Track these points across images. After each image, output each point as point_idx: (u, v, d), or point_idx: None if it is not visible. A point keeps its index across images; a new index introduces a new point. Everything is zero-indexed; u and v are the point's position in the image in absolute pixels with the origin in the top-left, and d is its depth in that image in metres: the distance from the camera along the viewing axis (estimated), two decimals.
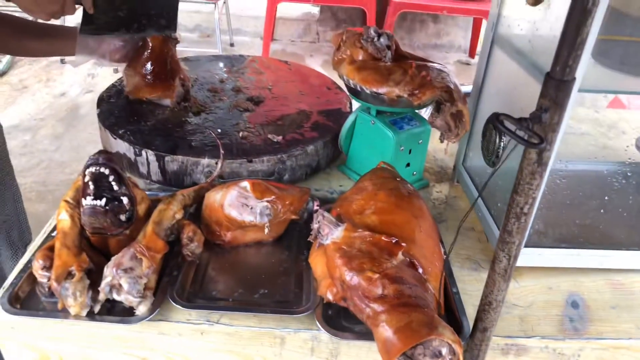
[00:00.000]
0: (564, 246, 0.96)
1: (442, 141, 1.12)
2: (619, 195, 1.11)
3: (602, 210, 1.05)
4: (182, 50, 4.49)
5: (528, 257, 0.95)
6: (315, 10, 4.72)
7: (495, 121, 0.58)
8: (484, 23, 3.92)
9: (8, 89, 3.65)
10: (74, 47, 1.17)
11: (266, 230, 0.94)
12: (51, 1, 1.00)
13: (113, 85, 1.38)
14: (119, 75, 1.36)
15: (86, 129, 3.27)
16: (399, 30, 4.55)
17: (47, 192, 2.75)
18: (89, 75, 3.86)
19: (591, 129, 1.52)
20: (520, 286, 0.96)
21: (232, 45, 4.61)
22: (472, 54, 4.58)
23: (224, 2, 4.32)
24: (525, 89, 0.91)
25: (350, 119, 1.20)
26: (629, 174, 1.18)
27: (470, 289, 0.94)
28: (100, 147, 1.30)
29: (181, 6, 1.29)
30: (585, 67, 0.74)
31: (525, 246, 0.94)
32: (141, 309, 0.82)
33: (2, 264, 1.24)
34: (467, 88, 1.24)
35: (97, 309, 0.82)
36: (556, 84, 0.56)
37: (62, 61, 3.98)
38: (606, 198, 1.07)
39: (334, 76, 1.40)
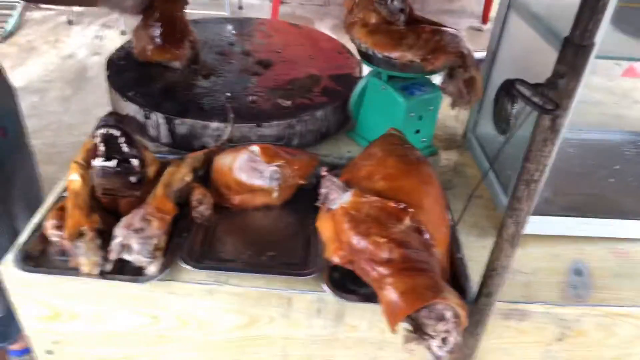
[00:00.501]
0: (571, 215, 0.96)
1: (453, 108, 1.11)
2: (629, 165, 1.10)
3: (611, 180, 1.05)
4: (190, 12, 4.39)
5: (535, 225, 0.95)
6: None
7: (510, 87, 0.57)
8: None
9: (16, 50, 3.62)
10: None
11: (275, 194, 0.95)
12: None
13: (122, 47, 1.36)
14: (127, 37, 1.34)
15: (94, 91, 3.26)
16: None
17: (57, 153, 2.76)
18: (97, 37, 3.83)
19: (604, 97, 1.50)
20: (525, 253, 0.96)
21: (240, 8, 4.52)
22: (484, 20, 4.46)
23: None
24: (540, 55, 0.89)
25: (360, 84, 1.18)
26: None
27: (476, 255, 0.94)
28: (109, 110, 1.30)
29: None
30: (604, 32, 0.72)
31: (532, 214, 0.94)
32: (151, 269, 0.84)
33: (20, 226, 1.27)
34: (479, 54, 1.21)
35: (108, 268, 0.84)
36: (574, 49, 0.55)
37: (70, 22, 3.94)
38: (616, 167, 1.07)
39: (344, 40, 1.38)
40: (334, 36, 1.55)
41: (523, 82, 0.58)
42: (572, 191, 1.01)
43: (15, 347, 1.64)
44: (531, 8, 0.95)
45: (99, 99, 3.18)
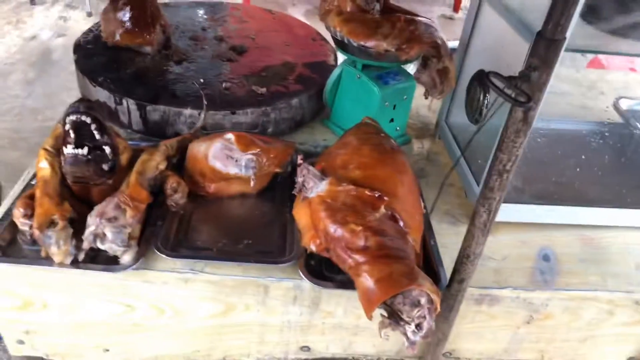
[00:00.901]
0: (540, 202, 0.99)
1: (426, 97, 1.12)
2: (595, 155, 1.14)
3: (578, 169, 1.08)
4: None
5: (505, 212, 0.97)
6: None
7: (484, 78, 0.58)
8: None
9: None
10: None
11: (252, 183, 0.94)
12: None
13: (90, 30, 1.32)
14: (92, 19, 1.30)
15: (59, 74, 3.15)
16: None
17: (20, 139, 2.66)
18: (61, 18, 3.68)
19: (571, 88, 1.54)
20: (496, 240, 0.99)
21: None
22: (456, 8, 4.49)
23: None
24: (512, 47, 0.91)
25: (335, 73, 1.19)
26: (606, 134, 1.21)
27: (448, 242, 0.97)
28: (75, 94, 1.26)
29: None
30: (574, 26, 0.74)
31: (503, 202, 0.97)
32: (125, 258, 0.83)
33: None
34: (451, 44, 1.23)
35: (81, 257, 0.82)
36: (547, 43, 0.56)
37: (32, 2, 3.78)
38: (582, 157, 1.11)
39: (317, 26, 1.37)
40: (307, 22, 1.54)
41: (496, 74, 0.59)
42: (541, 180, 1.04)
43: None
44: (503, 0, 0.97)
45: (65, 83, 3.08)
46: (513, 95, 0.57)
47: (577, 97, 1.50)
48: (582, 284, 0.93)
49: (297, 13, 4.22)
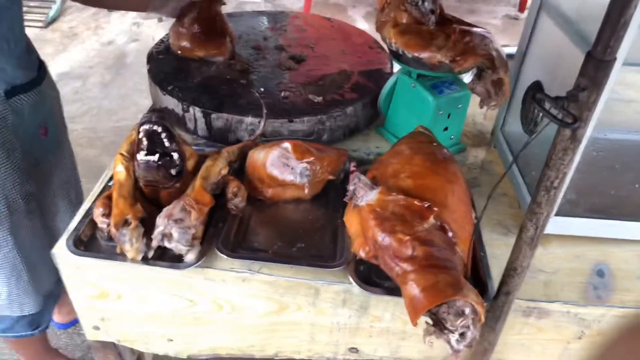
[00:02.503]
0: (595, 216, 0.97)
1: (481, 107, 1.12)
2: None
3: (638, 183, 1.05)
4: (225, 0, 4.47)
5: (558, 225, 0.97)
6: None
7: (532, 98, 0.60)
8: None
9: (59, 36, 3.76)
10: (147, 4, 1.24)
11: (306, 190, 0.99)
12: None
13: (161, 41, 1.42)
14: (164, 24, 1.41)
15: (132, 77, 3.37)
16: None
17: (97, 138, 2.88)
18: (134, 24, 3.92)
19: (639, 95, 1.47)
20: (547, 253, 0.99)
21: None
22: (521, 8, 4.36)
23: None
24: (569, 58, 0.90)
25: (390, 81, 1.21)
26: None
27: (498, 252, 0.97)
28: (146, 96, 1.36)
29: None
30: (631, 41, 0.73)
31: (557, 215, 0.96)
32: (189, 257, 0.90)
33: (60, 224, 1.33)
34: (511, 49, 1.22)
35: (150, 254, 0.91)
36: (596, 64, 0.57)
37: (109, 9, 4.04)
38: None
39: (375, 29, 1.40)
40: (366, 24, 1.58)
41: (544, 92, 0.60)
42: (598, 193, 1.02)
43: (62, 320, 1.76)
44: (561, 10, 0.96)
45: (137, 85, 3.30)
46: (560, 117, 0.58)
47: None
48: (637, 301, 0.90)
49: (357, 14, 4.25)
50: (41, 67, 1.21)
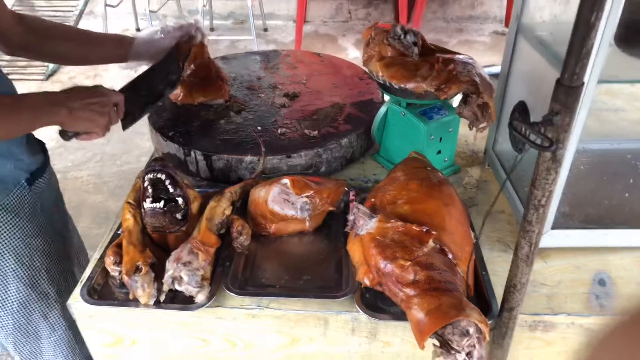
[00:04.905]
0: (591, 227, 1.00)
1: (470, 129, 1.16)
2: None
3: (627, 192, 1.08)
4: (218, 39, 4.59)
5: (555, 238, 1.00)
6: None
7: (509, 125, 0.63)
8: None
9: (59, 87, 3.84)
10: (126, 55, 1.27)
11: (307, 224, 1.03)
12: (102, 114, 1.07)
13: None
14: None
15: None
16: (432, 4, 4.48)
17: (102, 183, 2.94)
18: (132, 70, 4.02)
19: (626, 104, 1.52)
20: (548, 266, 1.01)
21: (265, 30, 4.67)
22: (508, 23, 4.45)
23: None
24: (549, 78, 0.94)
25: (381, 111, 1.26)
26: None
27: (500, 270, 1.00)
28: (147, 138, 1.40)
29: None
30: (603, 60, 0.77)
31: (553, 228, 0.99)
32: (200, 297, 0.93)
33: (72, 280, 1.35)
34: (498, 68, 1.27)
35: (162, 298, 0.94)
36: (565, 90, 0.61)
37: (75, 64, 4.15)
38: (631, 180, 1.10)
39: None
40: (357, 51, 1.64)
41: (522, 118, 0.64)
42: (591, 204, 1.05)
43: None
44: (536, 33, 1.01)
45: (138, 128, 3.36)
46: (537, 142, 0.62)
47: (631, 112, 1.47)
48: None
49: (348, 43, 4.36)
50: (43, 147, 1.23)
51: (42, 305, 1.18)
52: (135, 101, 1.20)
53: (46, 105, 1.01)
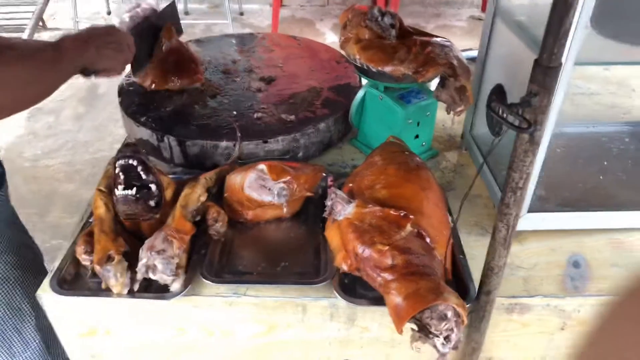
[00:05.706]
0: (566, 210, 1.01)
1: (448, 113, 1.16)
2: (622, 156, 1.14)
3: (601, 175, 1.09)
4: (193, 22, 4.50)
5: (532, 221, 1.00)
6: None
7: (488, 107, 0.63)
8: None
9: None
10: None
11: (284, 210, 1.01)
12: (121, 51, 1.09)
13: (129, 75, 1.43)
14: None
15: (106, 108, 3.36)
16: None
17: (74, 172, 2.86)
18: None
19: (600, 88, 1.53)
20: (524, 249, 1.02)
21: (241, 14, 4.59)
22: (485, 8, 4.47)
23: None
24: (526, 61, 0.94)
25: (359, 95, 1.24)
26: (635, 133, 1.21)
27: (477, 253, 1.00)
28: (121, 125, 1.37)
29: None
30: (580, 42, 0.77)
31: (529, 211, 1.00)
32: (175, 286, 0.91)
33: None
34: (475, 52, 1.26)
35: (136, 287, 0.91)
36: (543, 70, 0.60)
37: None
38: (605, 163, 1.11)
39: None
40: (334, 35, 1.61)
41: (500, 100, 0.63)
42: (567, 186, 1.06)
43: None
44: (514, 16, 1.00)
45: (111, 115, 3.29)
46: (516, 123, 0.61)
47: (606, 96, 1.49)
48: (613, 289, 0.94)
49: (325, 27, 4.32)
50: None
51: (15, 320, 1.14)
52: (141, 47, 1.23)
53: (78, 49, 1.01)
